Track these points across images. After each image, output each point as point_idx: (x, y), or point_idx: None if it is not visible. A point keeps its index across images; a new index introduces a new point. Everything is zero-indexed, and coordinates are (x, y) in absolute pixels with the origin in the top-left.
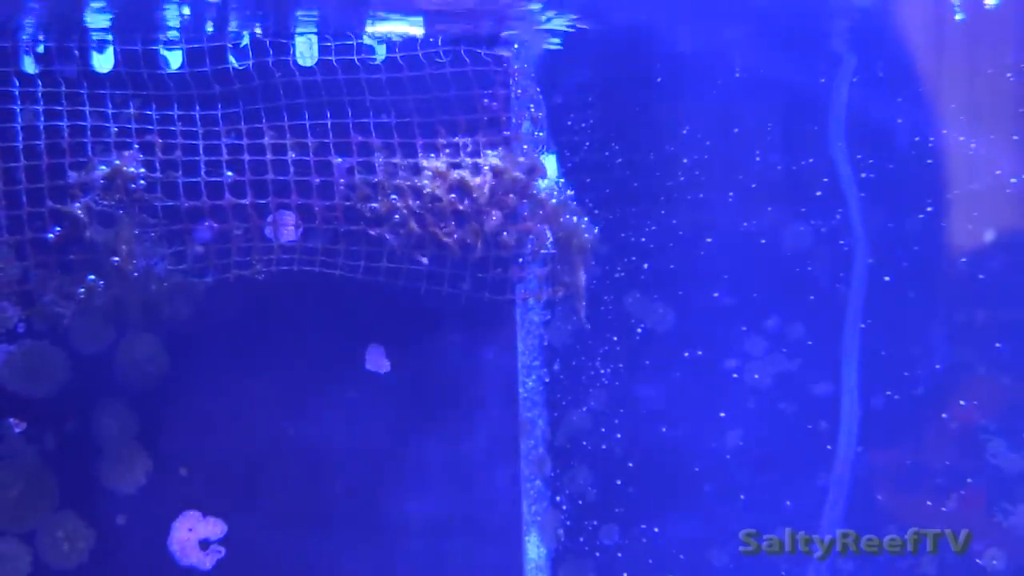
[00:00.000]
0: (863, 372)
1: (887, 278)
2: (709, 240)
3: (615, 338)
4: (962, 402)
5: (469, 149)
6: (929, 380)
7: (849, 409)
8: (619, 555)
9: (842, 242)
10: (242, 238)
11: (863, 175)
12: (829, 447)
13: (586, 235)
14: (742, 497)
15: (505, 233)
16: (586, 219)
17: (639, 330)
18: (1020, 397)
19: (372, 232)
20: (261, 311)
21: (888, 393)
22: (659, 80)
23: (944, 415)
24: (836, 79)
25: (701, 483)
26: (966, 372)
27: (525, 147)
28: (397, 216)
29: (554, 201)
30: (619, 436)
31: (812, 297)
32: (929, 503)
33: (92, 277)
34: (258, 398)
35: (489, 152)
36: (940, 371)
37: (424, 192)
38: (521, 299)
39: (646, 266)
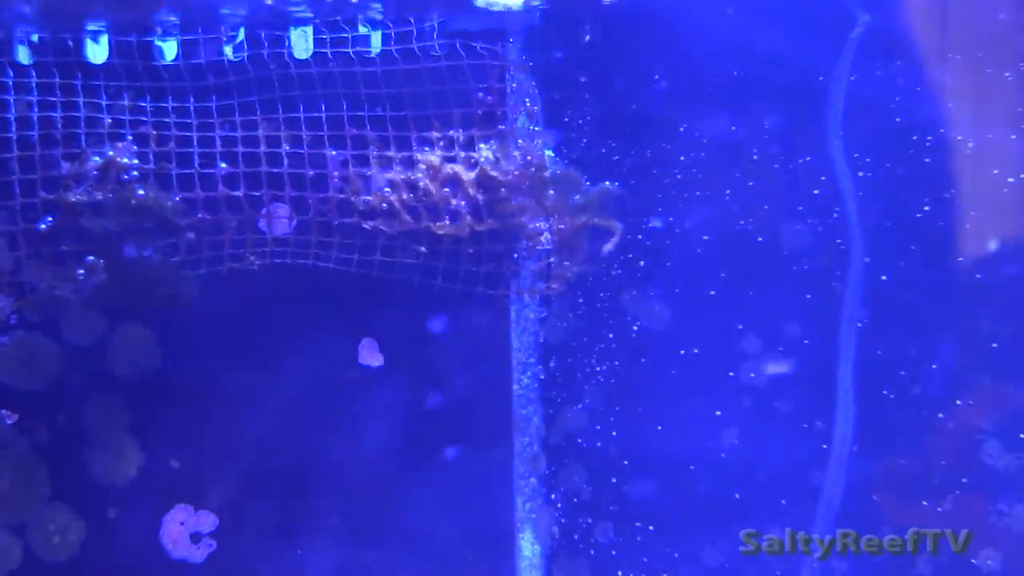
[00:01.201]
0: (859, 372)
1: (884, 277)
2: (706, 238)
3: (611, 335)
4: (958, 402)
5: (464, 143)
6: (926, 380)
7: (844, 409)
8: (613, 553)
9: (839, 241)
10: (236, 230)
11: (861, 173)
12: (825, 447)
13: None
14: (737, 496)
15: (498, 228)
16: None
17: (635, 328)
18: (1017, 398)
19: (366, 225)
20: (254, 304)
21: (884, 393)
22: (656, 77)
23: (940, 415)
24: (835, 76)
25: (696, 482)
26: (963, 373)
27: (520, 141)
28: (386, 205)
29: (551, 192)
30: (614, 434)
31: (809, 296)
32: (925, 503)
33: (91, 258)
34: (251, 391)
35: (483, 146)
36: (937, 371)
37: (418, 185)
38: (515, 295)
39: (643, 263)
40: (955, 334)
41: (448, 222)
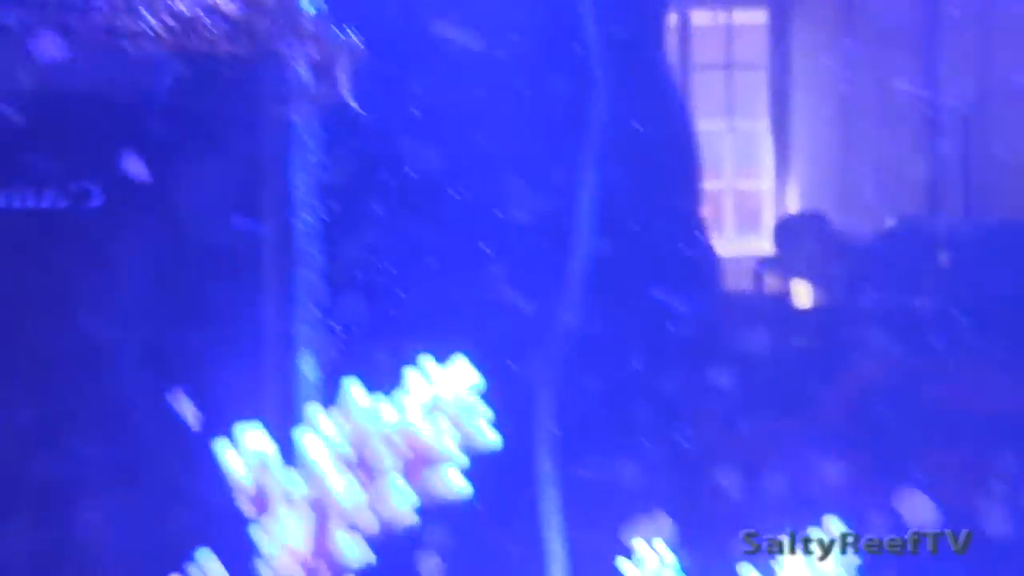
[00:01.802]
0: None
1: (633, 123)
2: (475, 89)
3: (389, 177)
4: None
5: None
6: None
7: (583, 247)
8: (386, 372)
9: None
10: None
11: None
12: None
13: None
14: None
15: (259, 51)
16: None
17: (409, 172)
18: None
19: (131, 48)
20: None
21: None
22: None
23: None
24: None
25: (459, 312)
26: None
27: None
28: (153, 32)
29: (313, 23)
30: (393, 272)
31: (572, 142)
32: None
33: None
34: None
35: None
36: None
37: (179, 12)
38: (288, 119)
39: (416, 111)
40: None
41: (205, 42)
